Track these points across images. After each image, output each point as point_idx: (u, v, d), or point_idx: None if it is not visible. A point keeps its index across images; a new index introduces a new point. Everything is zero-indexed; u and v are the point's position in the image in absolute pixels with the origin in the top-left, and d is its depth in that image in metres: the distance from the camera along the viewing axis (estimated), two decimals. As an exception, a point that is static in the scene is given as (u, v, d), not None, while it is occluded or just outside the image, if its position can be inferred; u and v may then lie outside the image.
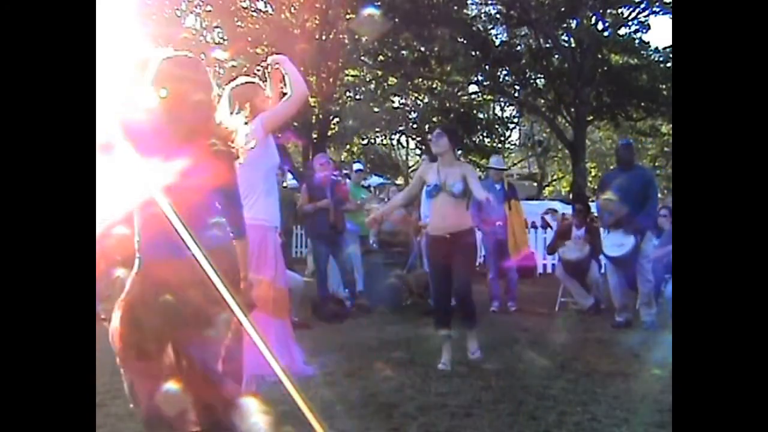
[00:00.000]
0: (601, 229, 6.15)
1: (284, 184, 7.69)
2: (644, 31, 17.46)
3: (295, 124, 14.70)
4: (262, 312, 2.84)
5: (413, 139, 21.02)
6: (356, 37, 14.67)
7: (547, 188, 27.60)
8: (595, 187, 25.72)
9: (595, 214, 7.79)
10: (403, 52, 16.63)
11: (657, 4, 16.18)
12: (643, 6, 16.63)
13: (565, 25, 17.09)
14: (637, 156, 6.58)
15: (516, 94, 18.88)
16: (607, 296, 6.25)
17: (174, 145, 2.02)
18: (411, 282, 6.93)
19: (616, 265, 5.84)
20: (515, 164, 26.37)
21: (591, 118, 18.32)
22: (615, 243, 5.76)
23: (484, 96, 19.89)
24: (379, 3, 13.86)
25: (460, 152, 20.34)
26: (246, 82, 3.39)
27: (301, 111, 3.30)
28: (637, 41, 17.54)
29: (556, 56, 17.79)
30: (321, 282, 6.62)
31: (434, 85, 18.12)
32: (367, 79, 18.03)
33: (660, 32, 46.93)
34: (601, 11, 16.78)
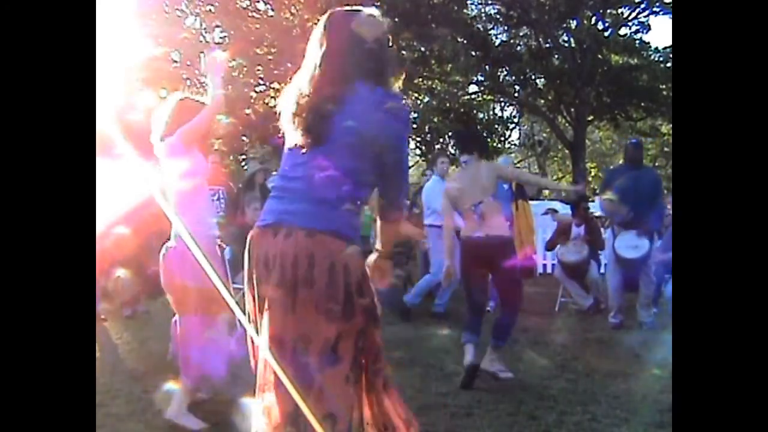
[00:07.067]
0: (608, 229, 6.05)
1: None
2: (644, 31, 17.53)
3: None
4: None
5: (413, 139, 21.04)
6: (356, 37, 14.67)
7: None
8: (595, 186, 25.72)
9: (597, 213, 7.76)
10: (403, 52, 16.65)
11: (657, 4, 16.23)
12: (643, 6, 16.68)
13: (565, 25, 17.13)
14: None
15: (516, 94, 18.91)
16: (606, 296, 6.24)
17: None
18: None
19: (626, 267, 5.70)
20: (515, 164, 26.40)
21: (591, 118, 18.37)
22: (630, 245, 5.60)
23: (484, 96, 19.91)
24: (379, 3, 13.88)
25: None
26: (191, 99, 3.21)
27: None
28: (637, 41, 17.57)
29: (556, 56, 17.82)
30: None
31: (434, 85, 18.14)
32: (367, 79, 18.02)
33: (660, 32, 46.97)
34: (601, 11, 16.83)
